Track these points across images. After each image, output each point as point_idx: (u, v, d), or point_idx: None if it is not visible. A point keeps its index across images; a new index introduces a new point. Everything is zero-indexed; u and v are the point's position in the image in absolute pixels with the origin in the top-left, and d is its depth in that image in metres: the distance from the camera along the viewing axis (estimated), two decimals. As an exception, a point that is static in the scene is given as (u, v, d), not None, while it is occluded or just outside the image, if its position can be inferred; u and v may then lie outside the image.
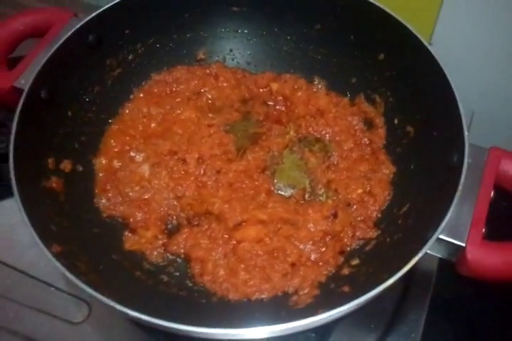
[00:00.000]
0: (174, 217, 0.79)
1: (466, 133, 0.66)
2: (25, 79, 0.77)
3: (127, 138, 0.84)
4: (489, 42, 0.96)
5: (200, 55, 0.94)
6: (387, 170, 0.79)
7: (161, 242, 0.76)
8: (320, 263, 0.72)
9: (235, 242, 0.74)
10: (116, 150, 0.83)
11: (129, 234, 0.77)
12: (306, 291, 0.69)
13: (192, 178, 0.80)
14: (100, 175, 0.81)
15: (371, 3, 0.79)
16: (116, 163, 0.82)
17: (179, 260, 0.76)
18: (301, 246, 0.73)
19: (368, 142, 0.84)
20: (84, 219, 0.75)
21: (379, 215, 0.77)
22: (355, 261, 0.72)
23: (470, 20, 0.94)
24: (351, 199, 0.78)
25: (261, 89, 0.91)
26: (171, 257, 0.76)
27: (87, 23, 0.79)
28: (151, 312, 0.55)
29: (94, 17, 0.80)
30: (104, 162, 0.82)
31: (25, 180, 0.66)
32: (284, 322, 0.53)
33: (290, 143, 0.86)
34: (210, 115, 0.87)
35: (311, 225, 0.75)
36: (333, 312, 0.54)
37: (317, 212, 0.76)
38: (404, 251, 0.62)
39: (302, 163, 0.84)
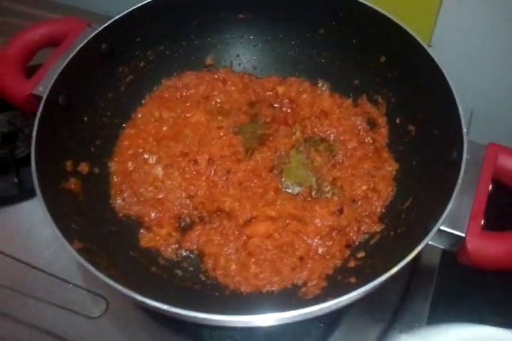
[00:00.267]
0: (187, 215, 0.82)
1: (464, 130, 0.69)
2: (43, 87, 0.80)
3: (140, 141, 0.87)
4: (487, 44, 0.99)
5: (209, 61, 0.97)
6: (390, 167, 0.82)
7: (175, 239, 0.79)
8: (327, 257, 0.75)
9: (245, 238, 0.77)
10: (130, 152, 0.86)
11: (145, 232, 0.80)
12: (314, 283, 0.72)
13: (203, 178, 0.83)
14: (116, 176, 0.84)
15: (372, 8, 0.83)
16: (131, 165, 0.85)
17: (192, 255, 0.79)
18: (308, 241, 0.76)
19: (371, 141, 0.87)
20: (101, 218, 0.78)
21: (383, 210, 0.79)
22: (361, 254, 0.75)
23: (467, 23, 0.97)
24: (356, 195, 0.81)
25: (267, 93, 0.94)
26: (184, 253, 0.79)
27: (100, 32, 0.82)
28: (169, 303, 0.58)
29: (106, 27, 0.83)
30: (119, 164, 0.85)
31: (46, 181, 0.69)
32: (295, 309, 0.56)
33: (296, 143, 0.89)
34: (219, 118, 0.90)
35: (318, 221, 0.78)
36: (341, 298, 0.57)
37: (324, 208, 0.79)
38: (408, 243, 0.64)
39: (308, 162, 0.87)
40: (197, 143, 0.86)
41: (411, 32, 0.79)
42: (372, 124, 0.89)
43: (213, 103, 0.93)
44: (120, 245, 0.77)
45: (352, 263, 0.74)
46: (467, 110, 0.76)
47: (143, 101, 0.92)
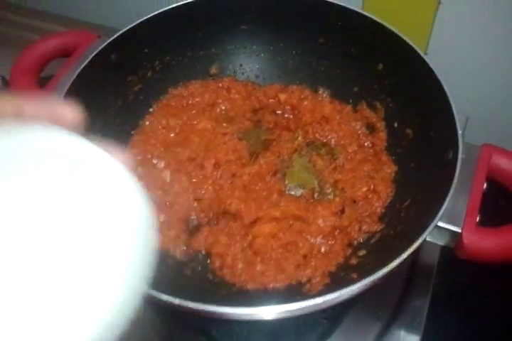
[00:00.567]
0: (195, 217, 0.84)
1: (459, 132, 0.72)
2: (56, 96, 0.82)
3: (149, 147, 0.90)
4: (482, 51, 1.02)
5: (213, 70, 1.01)
6: (389, 169, 0.85)
7: (183, 240, 0.82)
8: (330, 255, 0.78)
9: (251, 238, 0.79)
10: (139, 158, 0.89)
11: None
12: (317, 280, 0.74)
13: (210, 182, 0.85)
14: (125, 181, 0.87)
15: (369, 18, 0.86)
16: (140, 170, 0.87)
17: (200, 256, 0.81)
18: (312, 240, 0.79)
19: (370, 144, 0.90)
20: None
21: (383, 210, 0.82)
22: (362, 252, 0.77)
23: (463, 31, 1.00)
24: (357, 196, 0.84)
25: (270, 100, 0.97)
26: (193, 254, 0.81)
27: (109, 44, 0.85)
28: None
29: (115, 39, 0.86)
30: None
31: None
32: (300, 301, 0.59)
33: (299, 147, 0.92)
34: (224, 124, 0.93)
35: (321, 221, 0.80)
36: (343, 291, 0.60)
37: (326, 209, 0.81)
38: (407, 240, 0.67)
39: (310, 166, 0.90)
40: (203, 149, 0.89)
41: (408, 40, 0.82)
42: (371, 129, 0.92)
43: (218, 110, 0.96)
44: (131, 246, 0.79)
45: (354, 261, 0.76)
46: (463, 116, 0.79)
47: (151, 109, 0.95)
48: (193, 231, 0.83)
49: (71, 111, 0.44)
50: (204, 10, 0.92)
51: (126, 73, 0.92)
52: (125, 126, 0.92)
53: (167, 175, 0.87)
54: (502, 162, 0.73)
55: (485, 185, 0.71)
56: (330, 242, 0.79)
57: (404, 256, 0.63)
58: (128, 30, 0.87)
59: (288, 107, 0.96)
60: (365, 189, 0.84)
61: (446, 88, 0.76)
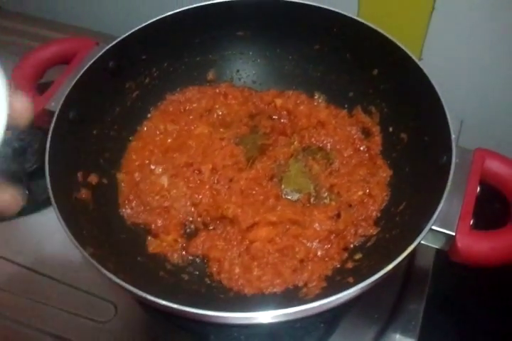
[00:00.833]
0: (192, 222, 0.85)
1: (453, 136, 0.73)
2: (55, 102, 0.84)
3: (147, 152, 0.91)
4: (475, 56, 1.03)
5: (210, 76, 1.01)
6: (385, 173, 0.86)
7: (180, 245, 0.83)
8: (326, 259, 0.78)
9: (248, 242, 0.80)
10: (137, 164, 0.90)
11: (152, 239, 0.83)
12: (314, 284, 0.75)
13: (207, 187, 0.86)
14: (123, 186, 0.88)
15: (364, 24, 0.86)
16: (138, 176, 0.88)
17: (198, 260, 0.82)
18: (308, 244, 0.80)
19: (365, 149, 0.91)
20: (111, 226, 0.82)
21: (378, 214, 0.83)
22: (358, 256, 0.78)
23: (456, 37, 1.01)
24: (352, 200, 0.85)
25: (266, 105, 0.98)
26: (190, 258, 0.82)
27: (107, 51, 0.86)
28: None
29: (113, 45, 0.87)
30: (126, 175, 0.89)
31: (59, 192, 0.73)
32: (296, 305, 0.60)
33: (295, 152, 0.92)
34: (221, 130, 0.94)
35: (317, 225, 0.81)
36: (340, 295, 0.60)
37: (322, 213, 0.82)
38: (402, 243, 0.67)
39: (307, 170, 0.91)
40: (200, 154, 0.90)
41: (402, 46, 0.83)
42: (366, 133, 0.93)
43: (215, 116, 0.97)
44: (129, 251, 0.80)
45: (350, 265, 0.77)
46: (457, 120, 0.80)
47: (148, 115, 0.96)
48: (190, 235, 0.84)
49: None
50: (201, 17, 0.93)
51: (124, 79, 0.93)
52: (123, 132, 0.93)
53: (165, 181, 0.88)
54: (495, 166, 0.74)
55: (478, 189, 0.72)
56: (326, 246, 0.80)
57: (399, 259, 0.64)
58: (126, 37, 0.88)
59: (284, 112, 0.97)
60: (360, 193, 0.85)
61: (440, 93, 0.76)
